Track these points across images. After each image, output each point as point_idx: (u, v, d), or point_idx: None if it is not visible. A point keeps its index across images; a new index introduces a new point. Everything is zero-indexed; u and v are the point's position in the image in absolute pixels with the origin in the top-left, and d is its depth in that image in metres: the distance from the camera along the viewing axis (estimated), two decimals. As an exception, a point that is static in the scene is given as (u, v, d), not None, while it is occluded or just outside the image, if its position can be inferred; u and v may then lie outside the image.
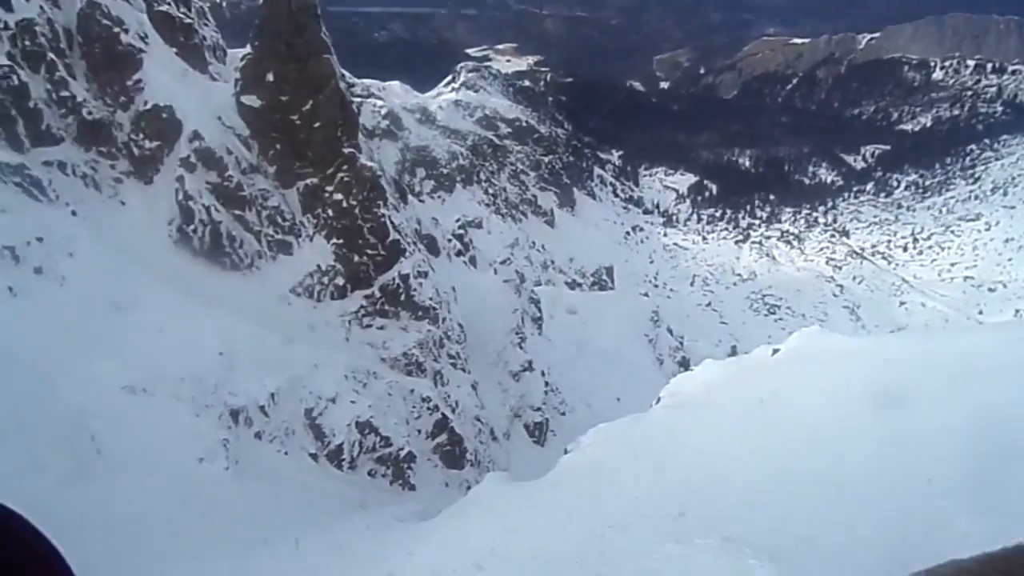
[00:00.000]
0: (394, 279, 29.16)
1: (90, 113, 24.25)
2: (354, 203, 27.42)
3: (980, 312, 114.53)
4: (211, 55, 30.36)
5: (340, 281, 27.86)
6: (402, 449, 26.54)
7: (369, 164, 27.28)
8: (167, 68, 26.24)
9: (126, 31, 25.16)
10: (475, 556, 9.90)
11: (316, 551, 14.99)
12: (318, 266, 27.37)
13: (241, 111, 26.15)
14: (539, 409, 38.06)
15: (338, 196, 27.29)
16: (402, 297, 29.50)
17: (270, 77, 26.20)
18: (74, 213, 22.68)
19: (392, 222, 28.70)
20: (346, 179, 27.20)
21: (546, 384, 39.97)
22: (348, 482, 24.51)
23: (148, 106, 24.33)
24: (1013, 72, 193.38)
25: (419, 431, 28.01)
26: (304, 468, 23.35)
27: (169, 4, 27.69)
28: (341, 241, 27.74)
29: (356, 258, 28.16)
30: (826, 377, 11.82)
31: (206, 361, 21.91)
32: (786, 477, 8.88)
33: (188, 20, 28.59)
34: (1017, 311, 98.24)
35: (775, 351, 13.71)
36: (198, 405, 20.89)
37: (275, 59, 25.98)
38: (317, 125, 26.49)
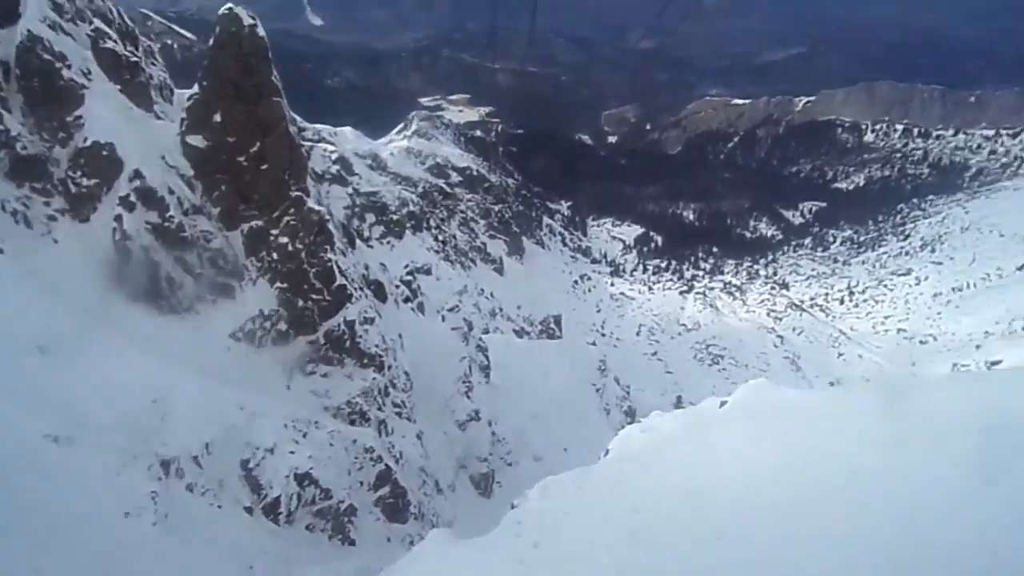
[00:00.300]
0: (339, 325, 28.54)
1: (24, 148, 23.34)
2: (300, 247, 26.88)
3: (913, 364, 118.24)
4: (158, 94, 29.74)
5: (283, 326, 27.13)
6: (343, 502, 25.59)
7: (317, 208, 26.87)
8: (110, 105, 25.55)
9: (68, 66, 24.47)
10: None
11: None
12: (260, 311, 26.62)
13: (186, 151, 25.54)
14: (485, 460, 37.41)
15: (284, 239, 26.74)
16: (347, 344, 28.84)
17: (217, 118, 25.72)
18: (1, 251, 21.61)
19: (339, 267, 28.20)
20: (292, 222, 26.70)
21: (493, 434, 39.40)
22: (284, 538, 23.44)
23: (88, 143, 23.56)
24: (937, 137, 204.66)
25: (361, 483, 27.09)
26: (237, 523, 22.23)
27: (115, 42, 27.09)
28: (286, 285, 27.09)
29: (301, 303, 27.50)
30: (772, 433, 11.78)
31: (137, 409, 20.87)
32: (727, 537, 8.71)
33: (135, 58, 28.01)
34: (955, 364, 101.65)
35: (723, 403, 13.69)
36: (126, 455, 19.78)
37: (223, 100, 25.55)
38: (264, 168, 26.03)
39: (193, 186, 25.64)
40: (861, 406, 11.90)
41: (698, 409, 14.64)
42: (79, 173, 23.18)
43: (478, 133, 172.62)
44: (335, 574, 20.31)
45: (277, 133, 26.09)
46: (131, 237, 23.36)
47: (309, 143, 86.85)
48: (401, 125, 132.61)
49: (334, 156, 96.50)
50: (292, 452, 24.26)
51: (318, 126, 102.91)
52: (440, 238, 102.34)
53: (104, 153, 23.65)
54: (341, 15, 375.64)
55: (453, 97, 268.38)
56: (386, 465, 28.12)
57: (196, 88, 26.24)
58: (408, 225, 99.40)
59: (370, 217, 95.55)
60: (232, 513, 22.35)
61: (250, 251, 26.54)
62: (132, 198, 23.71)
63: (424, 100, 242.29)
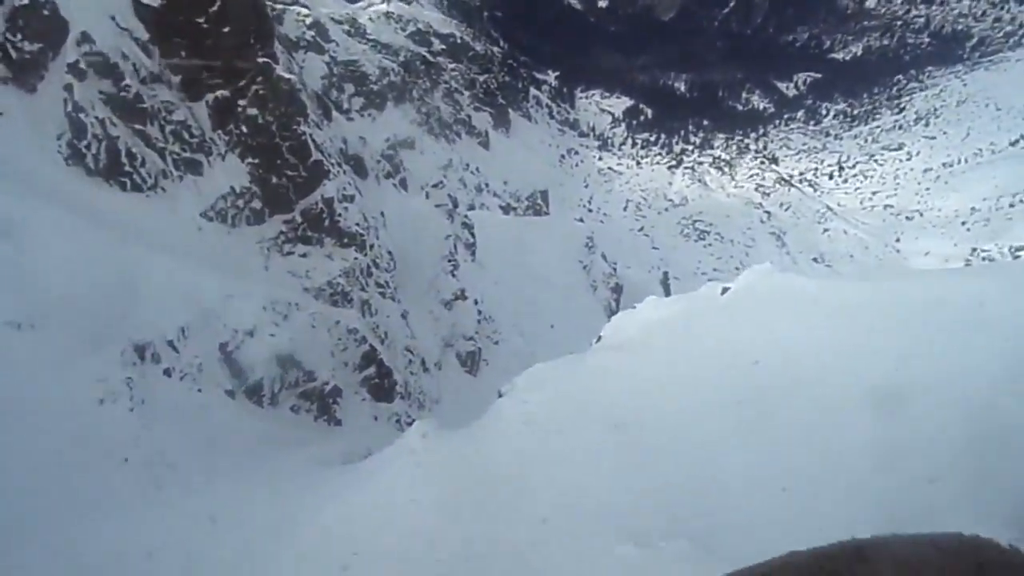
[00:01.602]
0: (317, 203, 27.18)
1: (-44, 8, 21.00)
2: (271, 119, 25.07)
3: (897, 240, 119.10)
4: (104, -54, 26.77)
5: (257, 205, 25.75)
6: (327, 383, 25.24)
7: (287, 76, 24.86)
8: (49, -42, 22.88)
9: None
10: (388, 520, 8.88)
11: (220, 498, 13.67)
12: (232, 188, 25.13)
13: (138, 11, 23.12)
14: (471, 338, 37.17)
15: (252, 111, 24.87)
16: (326, 222, 27.60)
17: (171, -28, 23.22)
18: (-59, 124, 19.83)
19: (314, 140, 26.50)
20: (261, 92, 24.74)
21: (479, 312, 39.00)
22: (269, 420, 23.15)
23: (25, 1, 21.16)
24: (941, 3, 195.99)
25: (346, 364, 26.66)
26: (220, 407, 21.79)
27: None
28: (257, 161, 25.48)
29: (274, 179, 26.00)
30: (780, 323, 10.97)
31: (105, 293, 19.83)
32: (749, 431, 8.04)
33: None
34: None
35: (724, 290, 12.81)
36: (96, 341, 18.93)
37: (176, -48, 22.98)
38: (227, 30, 23.77)
39: (150, 52, 23.42)
40: (859, 294, 11.11)
41: (696, 295, 13.79)
42: (19, 36, 20.93)
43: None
44: (321, 456, 20.08)
45: (238, -10, 23.70)
46: (84, 109, 21.47)
47: (281, 6, 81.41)
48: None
49: (308, 21, 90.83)
50: (272, 335, 23.57)
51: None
52: (423, 110, 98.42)
53: (45, 13, 21.29)
54: None
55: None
56: (371, 345, 27.62)
57: (145, -62, 23.51)
58: (389, 96, 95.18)
59: (349, 88, 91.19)
60: (213, 397, 21.86)
61: (217, 124, 24.70)
62: (82, 65, 21.61)
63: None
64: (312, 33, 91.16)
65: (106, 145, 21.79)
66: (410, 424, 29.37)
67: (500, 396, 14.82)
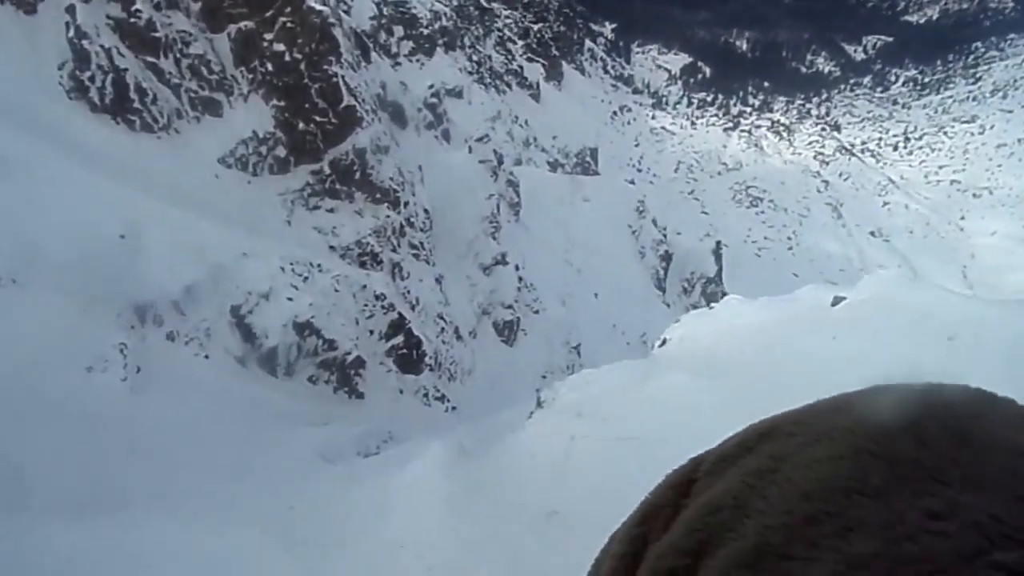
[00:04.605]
0: (347, 153, 24.61)
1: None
2: (299, 56, 22.43)
3: (962, 218, 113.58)
4: None
5: (281, 152, 23.31)
6: (349, 353, 23.01)
7: (318, 7, 22.10)
8: None
9: None
10: None
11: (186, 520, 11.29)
12: (254, 132, 22.68)
13: (154, -74, 20.54)
14: (510, 307, 34.64)
15: (279, 46, 22.24)
16: (357, 175, 25.08)
17: None
18: (-72, 46, 17.62)
19: (347, 83, 23.82)
20: (289, 25, 22.07)
21: (519, 279, 36.37)
22: (283, 391, 21.06)
23: (25, -93, 18.70)
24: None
25: (371, 332, 24.40)
26: (228, 375, 19.73)
27: None
28: (283, 103, 22.96)
29: (301, 125, 23.47)
30: (921, 352, 8.13)
31: (102, 245, 17.68)
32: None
33: None
34: None
35: (837, 300, 9.96)
36: (87, 299, 16.85)
37: None
38: (252, -48, 21.07)
39: (166, -27, 20.89)
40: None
41: (796, 302, 10.95)
42: (17, -52, 18.56)
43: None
44: (334, 441, 17.93)
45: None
46: (88, 35, 19.07)
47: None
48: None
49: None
50: (290, 299, 21.32)
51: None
52: (474, 58, 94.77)
53: (48, -78, 18.84)
54: None
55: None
56: (399, 313, 25.30)
57: None
58: (440, 42, 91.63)
59: (398, 31, 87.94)
60: (222, 364, 19.80)
61: (239, 59, 22.18)
62: (88, -16, 19.19)
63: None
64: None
65: (113, 78, 19.46)
66: (439, 399, 27.35)
67: (539, 404, 12.31)
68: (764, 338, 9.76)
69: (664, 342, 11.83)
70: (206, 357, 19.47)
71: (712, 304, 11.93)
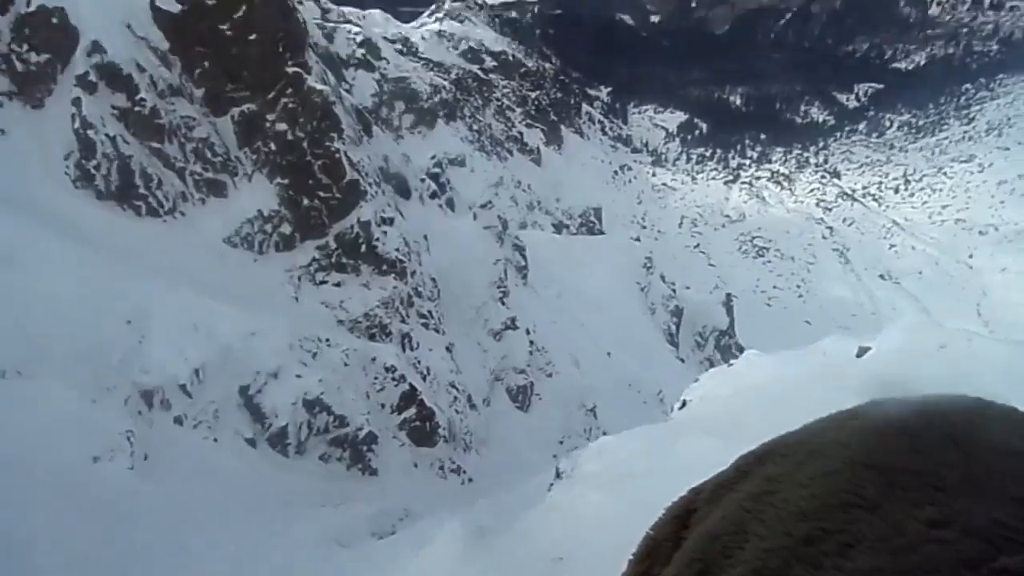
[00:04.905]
0: (352, 227, 24.67)
1: (-41, 17, 19.18)
2: (302, 135, 22.72)
3: (970, 256, 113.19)
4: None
5: (287, 229, 23.38)
6: (361, 429, 22.54)
7: (319, 87, 22.50)
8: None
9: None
10: None
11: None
12: (259, 211, 22.80)
13: (157, 17, 21.04)
14: (523, 371, 34.14)
15: (282, 126, 22.57)
16: (363, 248, 25.08)
17: (194, -24, 21.10)
18: (-63, 144, 17.88)
19: (349, 158, 24.05)
20: (291, 105, 22.43)
21: (531, 343, 35.97)
22: (295, 471, 20.53)
23: (32, 7, 19.22)
24: (1011, 8, 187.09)
25: (382, 406, 23.98)
26: (238, 457, 19.28)
27: None
28: (287, 181, 23.13)
29: (306, 201, 23.61)
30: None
31: (108, 331, 17.54)
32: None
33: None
34: None
35: (862, 351, 9.60)
36: (95, 388, 16.60)
37: (200, -46, 20.86)
38: (253, 37, 21.53)
39: (169, 62, 21.32)
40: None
41: (819, 353, 10.59)
42: (25, 47, 19.00)
43: (513, 15, 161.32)
44: (347, 523, 17.35)
45: (266, -6, 21.46)
46: (94, 125, 19.38)
47: (332, 24, 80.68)
48: (432, 7, 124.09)
49: (359, 39, 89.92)
50: (299, 376, 21.01)
51: (345, 8, 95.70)
52: (474, 127, 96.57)
53: (54, 20, 19.32)
54: None
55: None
56: (410, 384, 24.91)
57: (167, -60, 21.48)
58: (440, 114, 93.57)
59: (399, 105, 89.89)
60: (231, 446, 19.37)
61: (243, 141, 22.45)
62: (92, 77, 19.56)
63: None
64: (363, 51, 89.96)
65: (118, 165, 19.67)
66: (454, 471, 26.67)
67: (558, 475, 11.86)
68: (789, 395, 9.37)
69: (684, 404, 11.44)
70: (215, 440, 19.08)
71: (731, 361, 11.53)
